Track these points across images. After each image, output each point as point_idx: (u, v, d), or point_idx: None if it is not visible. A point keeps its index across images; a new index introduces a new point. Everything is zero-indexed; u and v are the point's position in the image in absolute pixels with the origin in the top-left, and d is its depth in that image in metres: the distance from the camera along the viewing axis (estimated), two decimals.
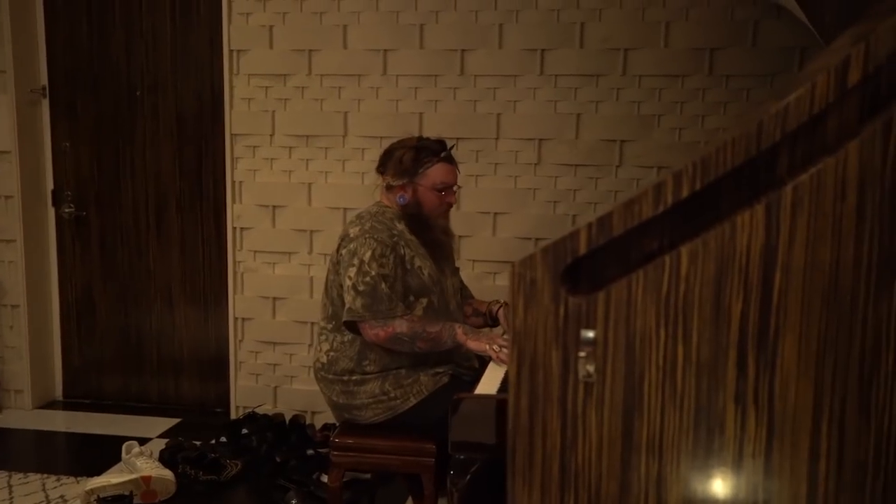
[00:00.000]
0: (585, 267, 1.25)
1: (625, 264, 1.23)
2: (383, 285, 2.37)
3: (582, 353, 1.23)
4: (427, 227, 2.51)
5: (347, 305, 2.39)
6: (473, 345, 2.39)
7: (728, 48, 3.19)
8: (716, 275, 1.17)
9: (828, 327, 1.16)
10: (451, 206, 2.58)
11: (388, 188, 2.55)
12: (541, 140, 3.37)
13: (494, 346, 2.34)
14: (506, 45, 3.35)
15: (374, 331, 2.38)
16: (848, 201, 1.13)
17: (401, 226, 2.49)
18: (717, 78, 3.21)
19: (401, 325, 2.37)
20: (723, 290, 1.18)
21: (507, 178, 3.42)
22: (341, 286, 2.45)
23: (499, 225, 3.46)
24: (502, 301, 2.79)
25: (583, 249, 1.22)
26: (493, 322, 2.74)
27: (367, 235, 2.40)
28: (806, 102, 1.12)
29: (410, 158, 2.48)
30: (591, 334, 1.23)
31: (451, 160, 2.56)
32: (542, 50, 3.32)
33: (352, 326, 2.44)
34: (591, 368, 1.23)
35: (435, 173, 2.50)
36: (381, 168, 2.58)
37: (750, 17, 3.16)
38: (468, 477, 1.99)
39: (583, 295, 1.23)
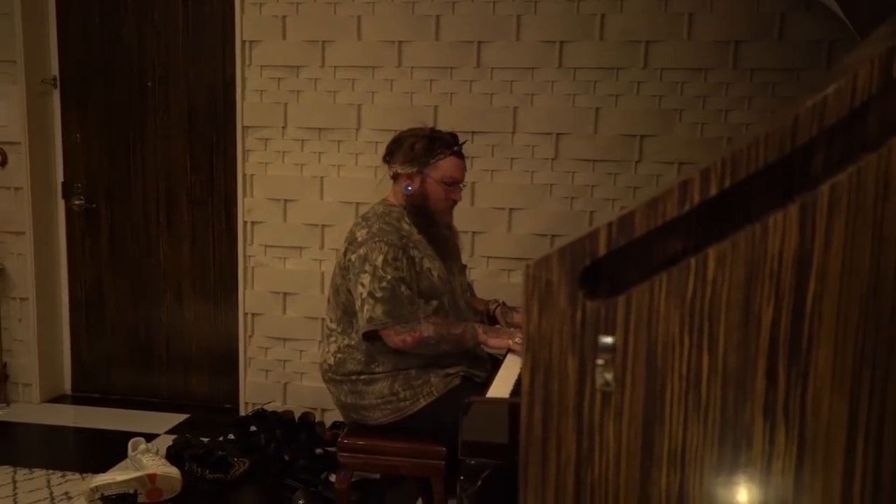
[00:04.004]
0: (605, 269, 1.17)
1: (647, 267, 1.15)
2: (402, 288, 2.29)
3: (600, 361, 1.15)
4: (431, 222, 2.44)
5: (367, 315, 2.29)
6: (494, 342, 2.36)
7: (753, 41, 3.09)
8: (745, 279, 1.09)
9: (866, 338, 1.08)
10: (455, 203, 2.51)
11: (395, 178, 2.47)
12: (558, 134, 3.29)
13: (516, 340, 2.29)
14: (523, 37, 3.26)
15: (401, 336, 2.29)
16: (890, 202, 1.05)
17: (408, 226, 2.42)
18: (741, 72, 3.12)
19: (427, 329, 2.30)
20: (752, 296, 1.10)
21: (523, 174, 3.34)
22: (350, 291, 2.38)
23: (514, 221, 3.39)
24: (500, 301, 2.74)
25: (602, 250, 1.15)
26: (490, 322, 2.68)
27: (376, 239, 2.32)
28: (847, 95, 1.04)
29: (423, 147, 2.42)
30: (609, 340, 1.15)
31: (461, 155, 2.49)
32: (561, 42, 3.23)
33: (370, 334, 2.34)
34: (609, 377, 1.16)
35: (445, 166, 2.43)
36: (389, 156, 2.50)
37: (777, 9, 3.06)
38: (479, 483, 1.92)
39: (601, 299, 1.16)
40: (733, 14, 3.08)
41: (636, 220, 1.13)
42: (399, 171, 2.44)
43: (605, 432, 1.18)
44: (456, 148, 2.46)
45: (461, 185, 2.52)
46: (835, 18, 2.79)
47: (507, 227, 3.39)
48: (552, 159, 3.31)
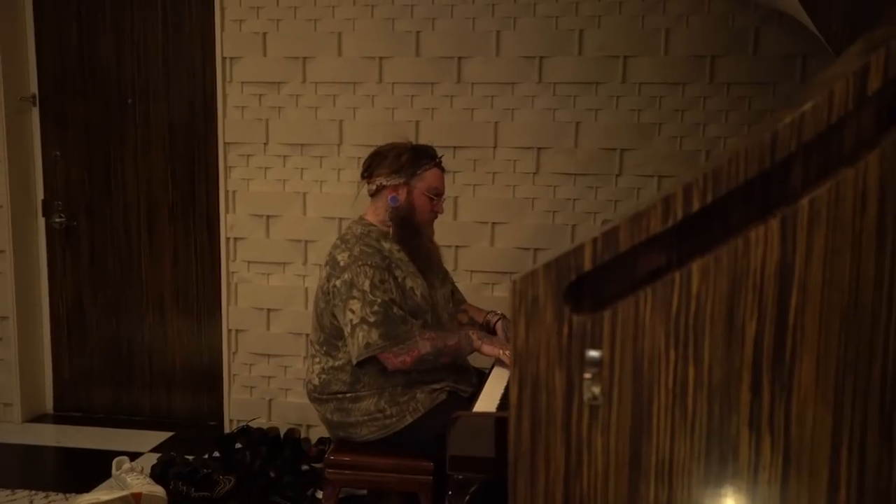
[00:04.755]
0: (590, 284, 1.19)
1: (632, 281, 1.17)
2: (395, 309, 2.30)
3: (587, 375, 1.16)
4: (416, 234, 2.45)
5: (364, 341, 2.27)
6: (488, 349, 2.38)
7: (729, 55, 3.14)
8: (728, 292, 1.11)
9: (847, 348, 1.10)
10: (437, 215, 2.53)
11: (378, 192, 2.46)
12: (539, 149, 3.32)
13: (507, 352, 2.30)
14: (503, 53, 3.29)
15: (400, 358, 2.29)
16: (868, 215, 1.07)
17: (388, 245, 2.42)
18: (718, 86, 3.16)
19: (424, 346, 2.30)
20: (736, 309, 1.12)
21: (505, 188, 3.37)
22: (334, 316, 2.37)
23: (497, 235, 3.40)
24: (500, 313, 2.74)
25: (587, 266, 1.16)
26: (490, 334, 2.68)
27: (359, 263, 2.31)
28: (823, 111, 1.06)
29: (409, 158, 2.43)
30: (596, 354, 1.17)
31: (443, 168, 2.53)
32: (541, 57, 3.26)
33: (369, 358, 2.32)
34: (596, 390, 1.17)
35: (431, 177, 2.45)
36: (368, 171, 2.49)
37: (751, 24, 3.11)
38: (467, 498, 1.92)
39: (588, 313, 1.17)
40: (708, 29, 3.13)
41: (621, 236, 1.15)
42: (384, 182, 2.44)
43: (593, 446, 1.19)
44: (438, 160, 2.49)
45: (443, 197, 2.53)
46: (808, 33, 2.83)
47: (489, 241, 3.41)
48: (533, 173, 3.33)
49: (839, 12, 1.86)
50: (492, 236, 3.40)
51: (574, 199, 3.32)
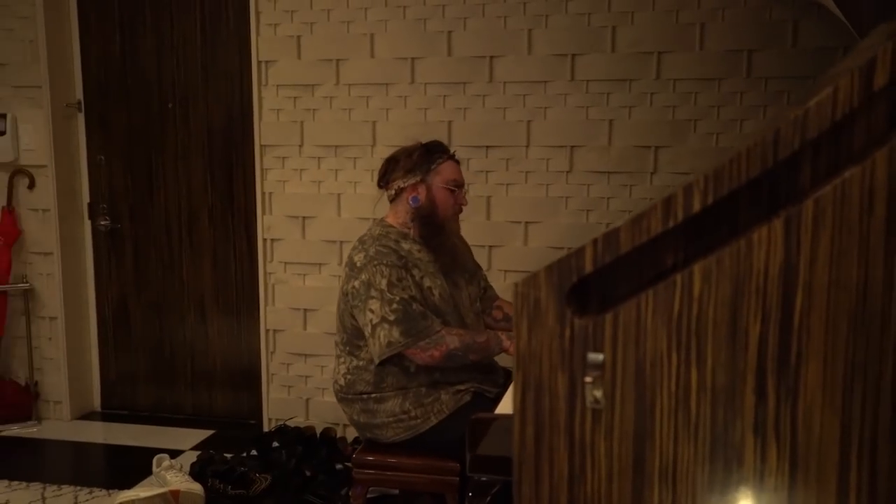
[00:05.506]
0: (593, 286, 1.17)
1: (634, 283, 1.15)
2: (414, 305, 2.30)
3: (588, 378, 1.15)
4: (440, 231, 2.44)
5: (385, 340, 2.27)
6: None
7: (766, 49, 3.07)
8: (731, 295, 1.09)
9: (856, 352, 1.06)
10: (461, 208, 2.52)
11: (397, 195, 2.48)
12: (572, 147, 3.29)
13: None
14: (535, 51, 3.27)
15: (428, 353, 2.28)
16: (876, 214, 1.04)
17: (407, 245, 2.42)
18: (755, 80, 3.09)
19: (452, 341, 2.30)
20: (739, 312, 1.09)
21: (537, 187, 3.34)
22: (353, 317, 2.38)
23: (530, 234, 3.38)
24: None
25: (589, 268, 1.15)
26: None
27: (375, 262, 2.32)
28: (828, 108, 1.03)
29: (420, 154, 2.44)
30: (598, 358, 1.15)
31: (457, 161, 2.52)
32: (573, 55, 3.23)
33: (390, 357, 2.33)
34: (598, 394, 1.16)
35: (447, 170, 2.46)
36: (384, 178, 2.50)
37: (789, 17, 3.04)
38: (488, 499, 1.92)
39: (590, 316, 1.16)
40: (745, 23, 3.06)
41: (622, 237, 1.13)
42: (402, 184, 2.45)
43: (597, 450, 1.18)
44: (451, 153, 2.50)
45: (465, 188, 2.52)
46: (847, 25, 2.76)
47: (523, 241, 3.39)
48: (567, 172, 3.31)
49: (868, 3, 1.80)
50: (525, 236, 3.38)
51: (608, 198, 3.29)
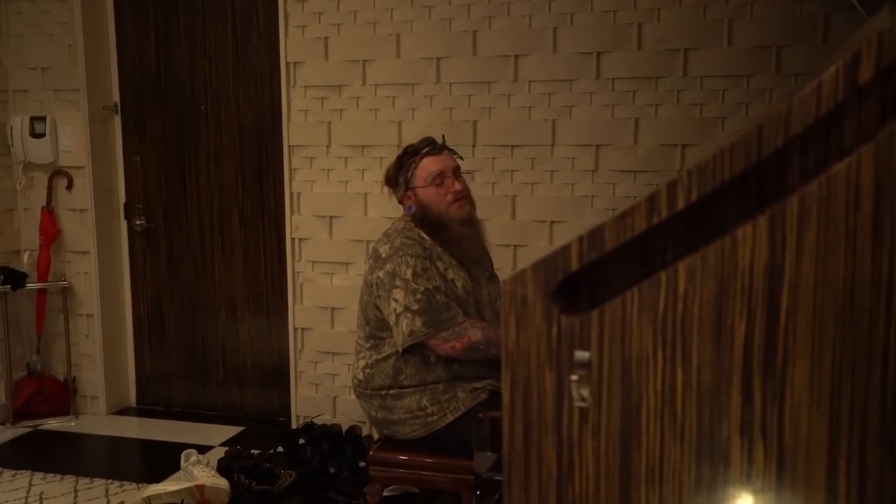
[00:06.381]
0: (581, 284, 1.17)
1: (619, 281, 1.14)
2: (438, 296, 2.31)
3: (574, 377, 1.14)
4: (442, 226, 2.44)
5: (408, 329, 2.30)
6: None
7: (796, 45, 3.01)
8: (716, 294, 1.07)
9: (843, 352, 1.04)
10: (458, 192, 2.46)
11: (401, 202, 2.54)
12: (598, 146, 3.27)
13: None
14: (560, 49, 3.26)
15: (450, 343, 2.30)
16: (863, 211, 1.01)
17: (430, 238, 2.44)
18: (784, 77, 3.04)
19: (475, 334, 2.31)
20: (724, 311, 1.07)
21: (563, 186, 3.33)
22: (377, 308, 2.40)
23: (556, 234, 3.37)
24: None
25: (574, 265, 1.14)
26: None
27: (400, 253, 2.35)
28: (812, 103, 1.01)
29: (394, 167, 2.49)
30: (584, 356, 1.14)
31: (435, 152, 2.47)
32: (598, 53, 3.21)
33: (412, 347, 2.35)
34: (585, 393, 1.15)
35: (421, 169, 2.45)
36: (390, 191, 2.61)
37: (819, 11, 2.98)
38: (496, 497, 1.92)
39: (577, 314, 1.15)
40: (774, 18, 3.01)
41: (606, 235, 1.13)
42: (397, 196, 2.53)
43: (584, 449, 1.17)
44: (426, 150, 2.46)
45: (457, 171, 2.49)
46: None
47: (548, 240, 3.38)
48: (592, 171, 3.28)
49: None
50: (550, 235, 3.37)
51: (634, 197, 3.25)
